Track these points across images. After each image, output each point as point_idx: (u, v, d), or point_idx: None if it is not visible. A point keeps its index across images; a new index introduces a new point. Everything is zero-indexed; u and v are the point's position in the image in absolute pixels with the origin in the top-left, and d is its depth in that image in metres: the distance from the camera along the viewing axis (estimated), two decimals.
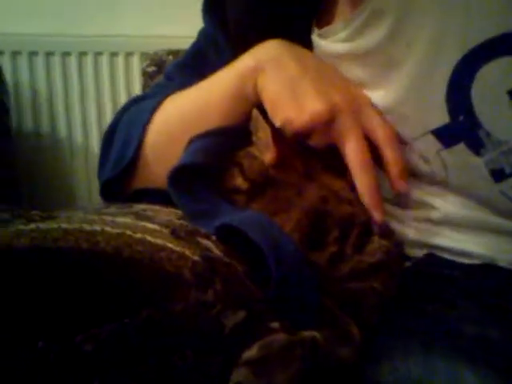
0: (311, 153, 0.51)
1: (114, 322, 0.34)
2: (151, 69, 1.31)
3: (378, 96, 0.51)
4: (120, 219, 0.40)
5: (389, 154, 0.49)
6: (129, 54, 1.55)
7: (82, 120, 1.58)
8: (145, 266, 0.36)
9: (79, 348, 0.33)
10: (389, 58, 0.50)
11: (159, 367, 0.34)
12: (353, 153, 0.48)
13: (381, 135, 0.49)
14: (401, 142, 0.52)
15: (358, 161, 0.48)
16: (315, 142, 0.50)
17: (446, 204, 0.50)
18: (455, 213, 0.50)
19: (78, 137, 1.59)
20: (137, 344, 0.34)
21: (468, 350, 0.38)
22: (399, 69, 0.49)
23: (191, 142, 0.51)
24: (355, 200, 0.48)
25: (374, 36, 0.50)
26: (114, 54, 1.55)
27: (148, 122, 0.57)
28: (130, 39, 1.55)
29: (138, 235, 0.38)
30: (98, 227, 0.37)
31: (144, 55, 1.43)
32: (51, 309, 0.33)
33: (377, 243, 0.45)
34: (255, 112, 0.51)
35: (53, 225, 0.36)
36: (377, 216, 0.47)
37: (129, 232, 0.38)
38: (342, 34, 0.52)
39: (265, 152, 0.50)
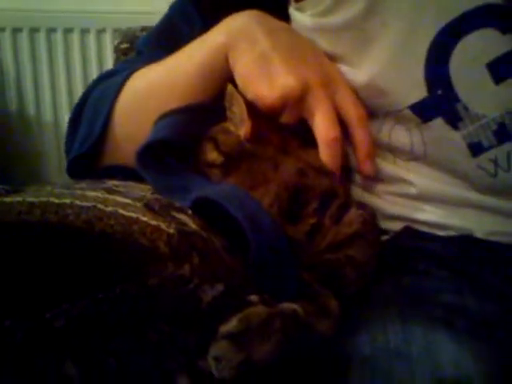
0: (287, 127, 0.50)
1: (86, 298, 0.33)
2: (124, 46, 1.27)
3: (356, 71, 0.51)
4: (90, 193, 0.39)
5: (358, 134, 0.49)
6: (100, 31, 1.51)
7: (51, 99, 1.53)
8: (117, 239, 0.35)
9: (50, 324, 0.32)
10: (365, 34, 0.49)
11: (134, 342, 0.33)
12: (321, 127, 0.48)
13: (352, 114, 0.49)
14: (377, 117, 0.51)
15: (325, 135, 0.47)
16: (287, 117, 0.49)
17: (422, 180, 0.50)
18: (432, 188, 0.50)
19: (48, 116, 1.55)
20: (111, 319, 0.33)
21: (445, 318, 0.39)
22: (376, 44, 0.49)
23: (160, 118, 0.50)
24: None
25: (350, 11, 0.49)
26: (85, 31, 1.50)
27: (116, 97, 0.55)
28: (102, 15, 1.50)
29: (110, 208, 0.36)
30: (67, 200, 0.36)
31: (116, 32, 1.38)
32: (18, 286, 0.32)
33: (354, 213, 0.45)
34: (230, 87, 0.49)
35: (17, 198, 0.34)
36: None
37: (100, 205, 0.36)
38: (319, 8, 0.51)
39: (240, 127, 0.49)
